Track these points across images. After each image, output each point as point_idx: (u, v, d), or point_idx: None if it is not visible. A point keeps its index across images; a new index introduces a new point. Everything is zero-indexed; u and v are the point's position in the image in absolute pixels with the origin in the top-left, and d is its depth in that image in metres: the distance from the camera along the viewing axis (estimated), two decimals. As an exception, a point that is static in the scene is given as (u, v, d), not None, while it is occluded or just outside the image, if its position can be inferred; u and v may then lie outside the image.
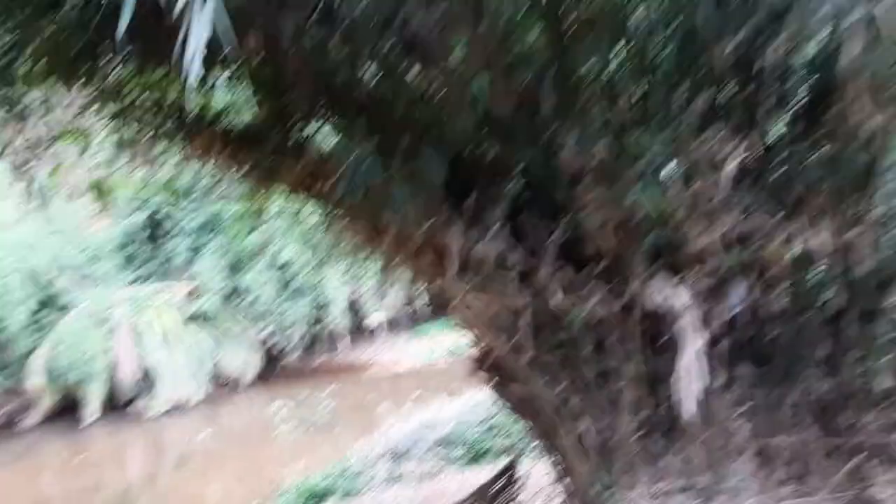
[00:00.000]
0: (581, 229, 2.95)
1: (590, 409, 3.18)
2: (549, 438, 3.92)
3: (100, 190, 4.80)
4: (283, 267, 17.01)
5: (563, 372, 3.21)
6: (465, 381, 10.64)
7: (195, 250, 17.39)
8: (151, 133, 3.54)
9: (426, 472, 7.27)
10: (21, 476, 12.50)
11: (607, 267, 2.95)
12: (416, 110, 3.03)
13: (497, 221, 3.07)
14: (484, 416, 8.21)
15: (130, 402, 15.31)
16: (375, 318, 19.29)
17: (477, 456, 7.54)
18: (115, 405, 15.17)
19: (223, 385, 16.66)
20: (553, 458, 3.94)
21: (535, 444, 4.43)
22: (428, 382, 11.12)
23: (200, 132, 3.43)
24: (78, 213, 17.76)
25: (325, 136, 3.41)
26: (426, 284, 4.45)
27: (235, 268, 17.23)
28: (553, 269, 3.01)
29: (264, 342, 17.40)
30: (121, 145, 3.97)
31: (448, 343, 19.14)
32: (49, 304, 15.34)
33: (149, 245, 18.08)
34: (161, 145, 3.79)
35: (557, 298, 2.97)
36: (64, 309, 15.46)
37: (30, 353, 14.71)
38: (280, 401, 9.64)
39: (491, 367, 3.76)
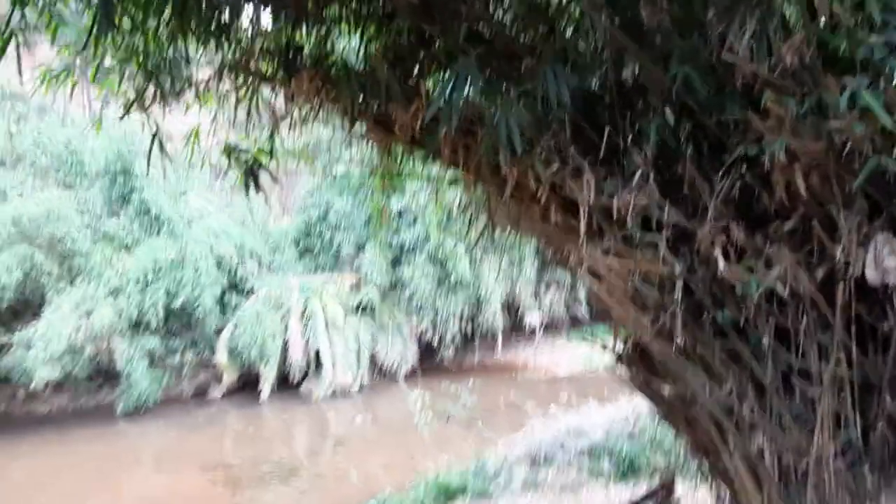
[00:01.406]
0: (759, 172, 2.17)
1: (766, 421, 2.36)
2: (709, 457, 3.10)
3: (233, 155, 4.81)
4: (441, 262, 17.09)
5: (729, 369, 2.42)
6: (623, 390, 9.80)
7: (360, 244, 18.14)
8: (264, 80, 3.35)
9: (567, 483, 6.57)
10: (207, 440, 13.86)
11: (799, 224, 2.14)
12: (539, 26, 2.46)
13: (641, 167, 2.38)
14: (639, 427, 7.30)
15: (300, 383, 16.30)
16: (533, 318, 18.67)
17: (626, 471, 6.69)
18: (287, 385, 16.25)
19: (380, 375, 17.13)
20: (715, 483, 3.12)
21: (693, 463, 3.59)
22: (585, 389, 10.32)
23: (313, 76, 3.16)
24: (262, 208, 19.49)
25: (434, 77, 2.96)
26: (554, 251, 3.82)
27: (396, 261, 17.67)
28: (717, 227, 2.26)
29: (421, 336, 17.61)
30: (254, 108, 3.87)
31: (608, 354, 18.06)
32: (234, 289, 16.88)
33: (321, 238, 19.22)
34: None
35: (723, 267, 2.21)
36: (246, 293, 16.92)
37: (217, 332, 16.29)
38: (432, 394, 9.49)
39: (633, 359, 3.05)
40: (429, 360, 17.43)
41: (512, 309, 18.61)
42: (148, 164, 4.26)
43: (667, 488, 4.32)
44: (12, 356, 13.94)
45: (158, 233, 16.38)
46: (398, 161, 4.57)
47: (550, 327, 19.35)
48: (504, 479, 6.78)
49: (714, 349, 2.41)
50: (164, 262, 15.53)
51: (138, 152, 16.75)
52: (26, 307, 14.60)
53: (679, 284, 2.31)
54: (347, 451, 12.52)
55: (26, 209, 14.29)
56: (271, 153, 4.08)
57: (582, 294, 18.48)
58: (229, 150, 4.01)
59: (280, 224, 20.70)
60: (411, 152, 3.65)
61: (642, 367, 3.03)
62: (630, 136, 2.40)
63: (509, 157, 2.44)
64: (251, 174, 4.06)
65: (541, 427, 7.94)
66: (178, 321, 16.27)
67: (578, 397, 9.43)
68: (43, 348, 13.63)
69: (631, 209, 2.38)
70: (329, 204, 19.10)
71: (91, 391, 16.40)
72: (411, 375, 16.68)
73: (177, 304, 15.41)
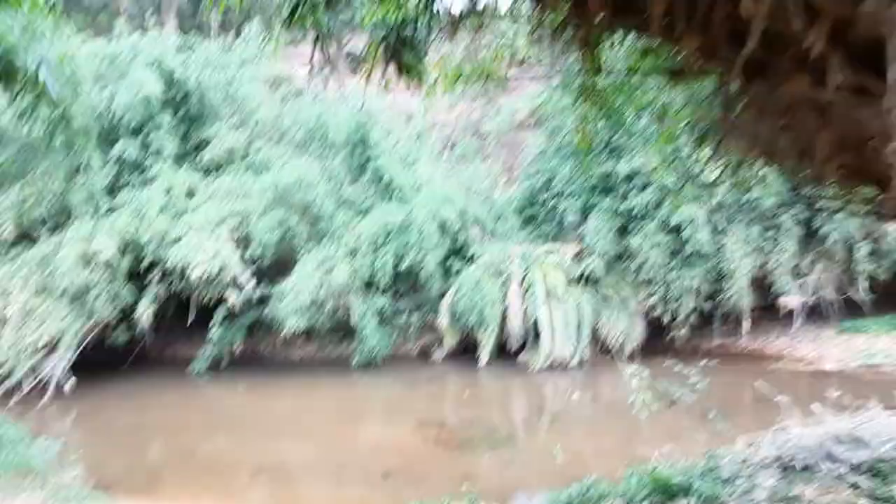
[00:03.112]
0: None
1: None
2: None
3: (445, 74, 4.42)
4: (675, 230, 15.19)
5: None
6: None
7: (585, 212, 17.02)
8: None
9: (833, 506, 4.94)
10: (427, 398, 14.32)
11: None
12: None
13: None
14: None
15: (518, 352, 15.95)
16: (790, 300, 15.70)
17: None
18: (505, 353, 16.02)
19: (602, 352, 15.96)
20: None
21: None
22: (864, 390, 8.08)
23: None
24: (487, 176, 19.45)
25: None
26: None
27: (623, 230, 16.20)
28: None
29: (648, 313, 15.96)
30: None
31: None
32: (456, 254, 17.07)
33: (544, 206, 18.52)
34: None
35: None
36: (468, 259, 17.00)
37: (440, 295, 16.67)
38: (657, 376, 8.26)
39: None
40: (657, 339, 15.73)
41: (763, 287, 15.85)
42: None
43: None
44: (271, 307, 15.81)
45: (390, 199, 17.21)
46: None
47: (815, 313, 16.14)
48: (743, 486, 5.38)
49: None
50: (393, 226, 16.27)
51: (375, 125, 17.82)
52: (282, 264, 16.43)
53: None
54: (559, 428, 11.81)
55: (282, 177, 15.97)
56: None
57: (864, 271, 14.99)
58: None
59: (504, 192, 20.49)
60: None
61: None
62: None
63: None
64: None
65: (799, 429, 6.23)
66: (405, 283, 17.00)
67: (854, 399, 7.32)
68: (292, 300, 15.20)
69: None
70: (554, 171, 18.29)
71: (333, 343, 18.04)
72: (636, 354, 15.19)
73: (403, 265, 16.06)
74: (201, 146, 17.20)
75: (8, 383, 13.48)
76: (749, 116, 3.86)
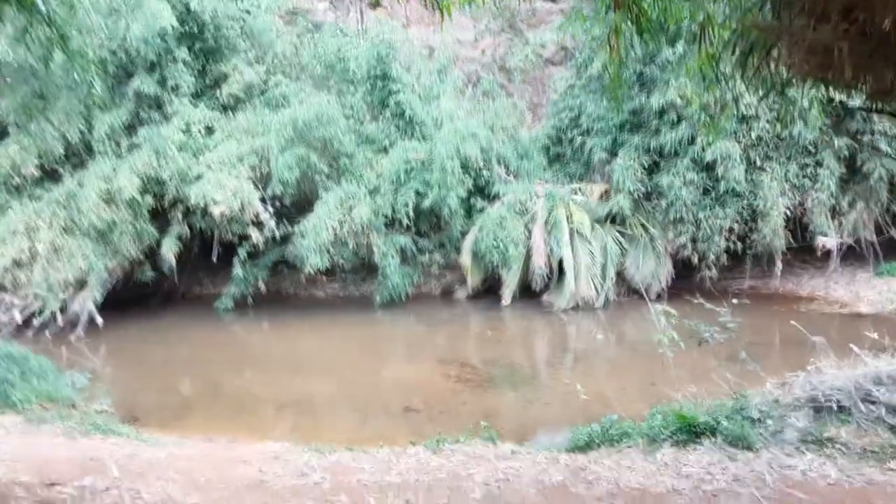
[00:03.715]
0: None
1: None
2: None
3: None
4: (708, 167, 14.55)
5: None
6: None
7: (613, 150, 16.40)
8: None
9: (869, 448, 4.72)
10: (449, 336, 14.34)
11: None
12: None
13: None
14: None
15: (542, 292, 15.77)
16: (826, 241, 15.09)
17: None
18: (529, 293, 15.85)
19: (628, 292, 15.69)
20: None
21: None
22: (896, 332, 7.74)
23: None
24: (512, 113, 18.81)
25: None
26: None
27: (653, 168, 15.59)
28: None
29: (677, 253, 15.53)
30: None
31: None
32: (479, 192, 16.71)
33: (571, 144, 17.92)
34: None
35: None
36: (491, 198, 16.64)
37: (462, 234, 16.43)
38: (685, 315, 8.00)
39: None
40: (685, 280, 15.34)
41: (798, 227, 15.25)
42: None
43: None
44: (294, 245, 15.78)
45: (411, 135, 16.78)
46: None
47: (852, 255, 15.54)
48: (773, 427, 5.18)
49: None
50: (414, 164, 15.92)
51: (396, 59, 17.20)
52: (304, 202, 16.29)
53: None
54: (583, 368, 11.70)
55: (302, 113, 15.61)
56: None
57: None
58: None
59: (530, 130, 19.85)
60: None
61: None
62: None
63: None
64: None
65: (833, 370, 5.94)
66: (427, 222, 16.77)
67: (892, 341, 6.97)
68: (314, 239, 15.12)
69: None
70: (581, 107, 17.59)
71: (356, 282, 18.08)
72: (663, 295, 14.89)
73: (425, 204, 15.79)
74: (219, 82, 16.85)
75: (39, 319, 13.83)
76: (805, 21, 3.42)
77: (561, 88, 19.16)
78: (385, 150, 16.63)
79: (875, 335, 7.41)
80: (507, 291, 15.81)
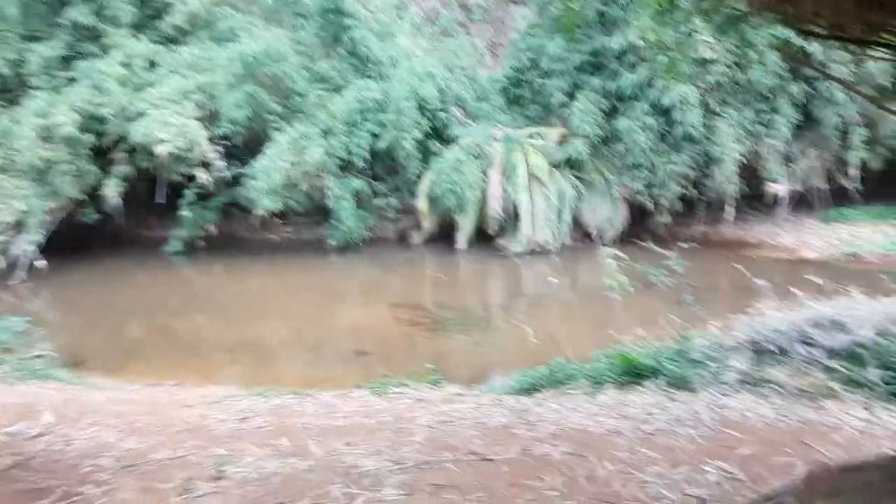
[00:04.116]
0: None
1: None
2: None
3: None
4: (665, 112, 14.51)
5: None
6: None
7: (572, 93, 16.15)
8: None
9: (806, 389, 4.85)
10: (402, 281, 14.31)
11: None
12: None
13: None
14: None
15: (497, 236, 15.75)
16: (778, 188, 15.37)
17: (906, 389, 4.71)
18: (485, 237, 15.82)
19: (583, 237, 15.80)
20: None
21: None
22: (845, 278, 7.91)
23: None
24: (471, 53, 18.29)
25: None
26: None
27: (611, 112, 15.46)
28: None
29: (632, 198, 15.63)
30: None
31: (882, 238, 14.35)
32: (436, 135, 16.36)
33: (530, 86, 17.60)
34: None
35: None
36: (448, 141, 16.31)
37: (418, 178, 16.14)
38: (636, 260, 8.05)
39: None
40: (640, 226, 15.52)
41: (751, 174, 15.47)
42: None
43: None
44: (245, 187, 15.27)
45: (366, 75, 16.21)
46: None
47: (802, 202, 15.89)
48: (714, 368, 5.28)
49: None
50: (369, 104, 15.43)
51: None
52: (254, 143, 15.69)
53: None
54: (536, 311, 11.83)
55: (251, 48, 14.85)
56: None
57: (855, 160, 14.58)
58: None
59: (489, 71, 19.38)
60: None
61: None
62: None
63: None
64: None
65: (775, 313, 6.07)
66: (383, 165, 16.43)
67: (834, 285, 7.14)
68: (266, 180, 14.65)
69: None
70: (542, 49, 17.17)
71: (310, 225, 17.74)
72: (617, 240, 15.06)
73: (381, 146, 15.41)
74: (161, 12, 15.82)
75: (-27, 263, 13.17)
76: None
77: (521, 28, 18.67)
78: (339, 90, 16.04)
79: (817, 280, 7.61)
80: (463, 236, 15.74)
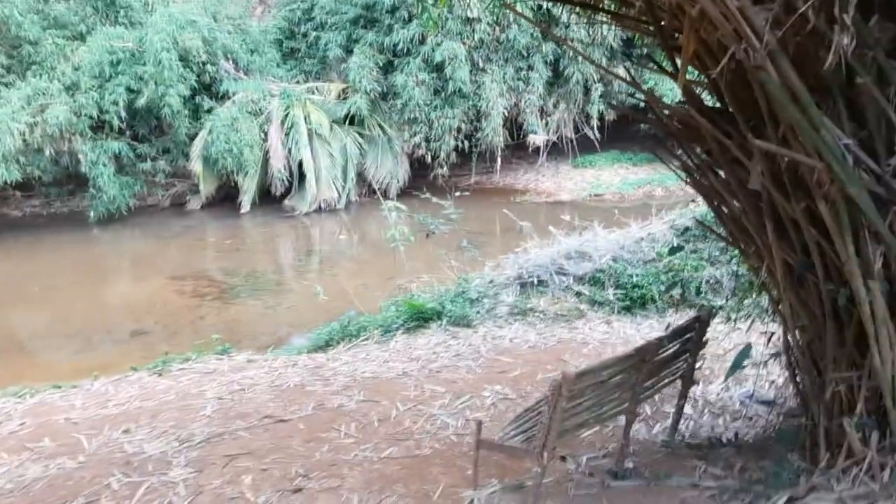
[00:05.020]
0: None
1: None
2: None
3: None
4: (438, 67, 15.12)
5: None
6: (636, 218, 8.65)
7: (348, 47, 16.01)
8: None
9: (561, 312, 5.66)
10: (181, 250, 13.30)
11: None
12: None
13: None
14: (655, 254, 6.25)
15: (283, 196, 15.29)
16: (536, 138, 17.10)
17: (634, 303, 5.75)
18: (270, 198, 15.26)
19: (369, 193, 16.06)
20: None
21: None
22: (590, 215, 9.25)
23: None
24: (238, 1, 17.06)
25: None
26: None
27: (388, 67, 15.68)
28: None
29: (413, 152, 16.19)
30: None
31: (617, 179, 16.79)
32: (205, 91, 15.16)
33: (305, 39, 17.04)
34: None
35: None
36: (220, 97, 15.22)
37: (191, 138, 14.88)
38: (415, 211, 8.43)
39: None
40: (422, 178, 16.20)
41: (514, 127, 16.96)
42: None
43: (702, 324, 3.26)
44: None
45: (115, 20, 14.33)
46: None
47: (556, 150, 17.88)
48: (488, 304, 5.89)
49: None
50: (121, 55, 13.71)
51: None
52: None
53: None
54: (326, 269, 11.89)
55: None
56: None
57: (595, 113, 16.74)
58: None
59: (260, 21, 18.32)
60: None
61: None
62: None
63: None
64: None
65: (536, 250, 6.90)
66: (145, 124, 14.87)
67: (582, 222, 8.31)
68: (-6, 146, 12.37)
69: None
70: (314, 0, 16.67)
71: (62, 196, 15.54)
72: (402, 194, 15.57)
73: (140, 102, 13.86)
74: None
75: None
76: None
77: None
78: (82, 38, 13.96)
79: (569, 218, 8.77)
80: (246, 198, 15.01)
